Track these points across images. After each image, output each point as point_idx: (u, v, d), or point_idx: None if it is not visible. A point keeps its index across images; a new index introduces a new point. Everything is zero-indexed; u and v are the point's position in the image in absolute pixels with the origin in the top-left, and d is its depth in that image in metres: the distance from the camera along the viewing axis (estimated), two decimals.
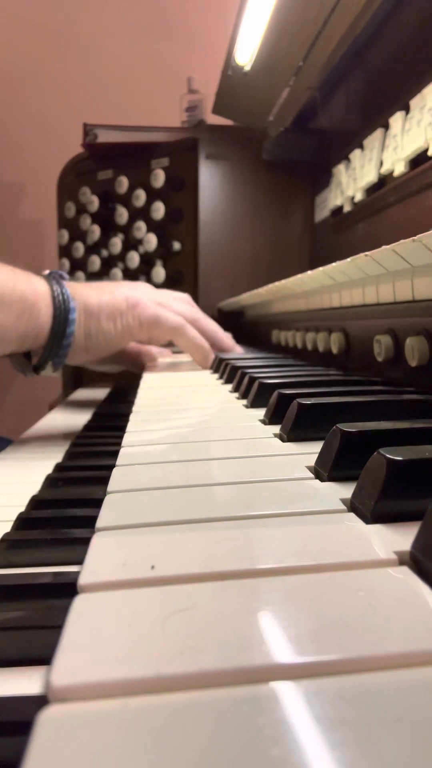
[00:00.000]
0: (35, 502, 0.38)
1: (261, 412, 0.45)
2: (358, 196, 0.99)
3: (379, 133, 0.90)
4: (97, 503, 0.26)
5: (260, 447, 0.34)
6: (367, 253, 0.47)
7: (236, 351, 0.88)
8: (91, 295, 0.70)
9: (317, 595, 0.16)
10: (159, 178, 1.43)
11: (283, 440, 0.36)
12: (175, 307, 0.79)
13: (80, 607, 0.16)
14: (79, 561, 0.20)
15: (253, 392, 0.49)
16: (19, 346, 0.64)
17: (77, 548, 0.27)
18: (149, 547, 0.20)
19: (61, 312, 0.64)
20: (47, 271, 0.68)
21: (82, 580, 0.18)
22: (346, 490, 0.25)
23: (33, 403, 1.73)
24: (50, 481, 0.44)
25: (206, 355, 0.80)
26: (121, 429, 0.43)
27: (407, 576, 0.17)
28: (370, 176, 0.92)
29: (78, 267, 1.61)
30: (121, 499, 0.26)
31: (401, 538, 0.20)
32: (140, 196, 1.46)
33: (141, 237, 1.47)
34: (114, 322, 0.70)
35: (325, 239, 1.25)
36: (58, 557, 0.29)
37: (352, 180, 1.01)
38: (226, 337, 0.87)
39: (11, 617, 0.22)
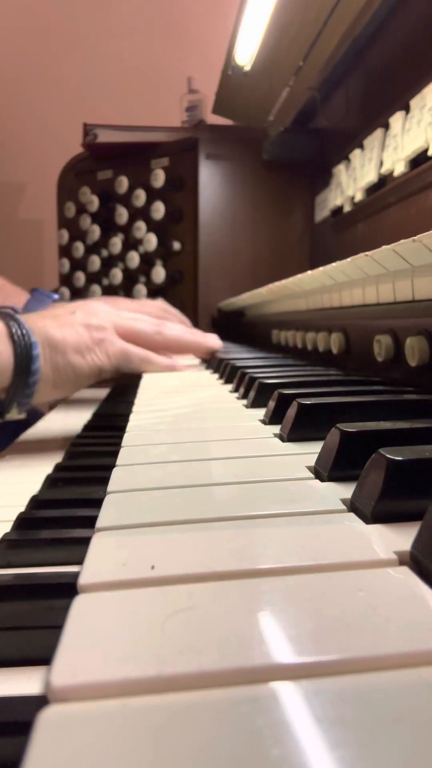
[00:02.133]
0: (35, 502, 0.38)
1: (261, 412, 0.45)
2: (358, 196, 0.99)
3: (379, 133, 0.90)
4: (97, 503, 0.26)
5: (260, 447, 0.34)
6: (367, 253, 0.47)
7: (211, 344, 0.84)
8: (51, 327, 0.66)
9: (317, 595, 0.16)
10: (159, 178, 1.43)
11: (283, 440, 0.36)
12: (138, 327, 0.75)
13: (80, 607, 0.16)
14: (79, 561, 0.20)
15: (253, 392, 0.49)
16: None
17: (77, 548, 0.27)
18: (149, 547, 0.20)
19: (23, 349, 0.61)
20: None
21: (82, 580, 0.18)
22: (346, 490, 0.25)
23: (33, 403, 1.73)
24: (50, 481, 0.44)
25: (197, 342, 0.79)
26: (121, 429, 0.43)
27: (407, 576, 0.17)
28: (370, 176, 0.92)
29: (78, 267, 1.61)
30: (121, 499, 0.26)
31: (401, 538, 0.20)
32: (140, 196, 1.46)
33: (141, 237, 1.47)
34: (82, 356, 0.67)
35: (325, 239, 1.25)
36: (58, 557, 0.29)
37: (352, 180, 1.01)
38: (193, 337, 0.84)
39: (11, 617, 0.22)
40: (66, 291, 1.63)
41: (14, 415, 0.65)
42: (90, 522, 0.24)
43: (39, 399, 0.66)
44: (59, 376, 0.65)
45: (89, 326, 0.70)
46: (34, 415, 0.67)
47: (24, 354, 0.61)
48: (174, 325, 0.83)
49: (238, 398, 0.54)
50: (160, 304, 0.83)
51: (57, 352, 0.65)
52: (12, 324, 0.61)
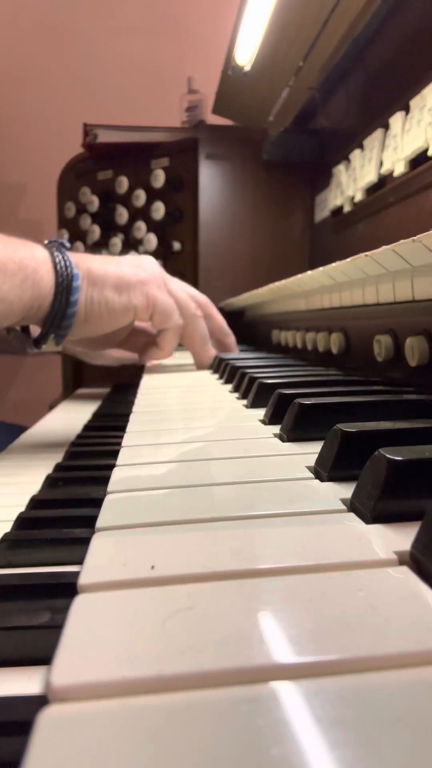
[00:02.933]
0: (35, 502, 0.38)
1: (261, 412, 0.45)
2: (358, 196, 0.99)
3: (379, 133, 0.90)
4: (97, 503, 0.26)
5: (260, 447, 0.34)
6: (367, 253, 0.47)
7: (235, 352, 0.87)
8: (95, 263, 0.65)
9: (317, 595, 0.16)
10: (159, 178, 1.43)
11: (283, 440, 0.36)
12: (182, 295, 0.75)
13: (80, 607, 0.16)
14: (79, 561, 0.20)
15: (253, 392, 0.49)
16: (22, 318, 0.60)
17: (77, 548, 0.27)
18: (149, 547, 0.20)
19: (65, 279, 0.60)
20: (47, 241, 0.64)
21: (82, 580, 0.18)
22: (346, 490, 0.25)
23: (33, 403, 1.73)
24: (50, 481, 0.44)
25: (210, 354, 0.79)
26: (121, 429, 0.43)
27: (407, 576, 0.17)
28: (370, 176, 0.92)
29: None
30: (121, 499, 0.26)
31: (401, 538, 0.20)
32: (140, 196, 1.46)
33: (141, 237, 1.47)
34: (119, 293, 0.65)
35: (325, 239, 1.25)
36: (59, 557, 0.29)
37: (352, 180, 1.01)
38: (231, 336, 0.86)
39: (11, 617, 0.22)
40: None
41: (51, 346, 0.64)
42: (90, 522, 0.24)
43: (72, 334, 0.64)
44: (92, 310, 0.64)
45: (137, 266, 0.69)
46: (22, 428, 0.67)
47: (65, 284, 0.60)
48: (221, 316, 0.82)
49: (238, 398, 0.54)
50: (206, 298, 0.80)
51: (95, 286, 0.64)
52: (57, 254, 0.61)
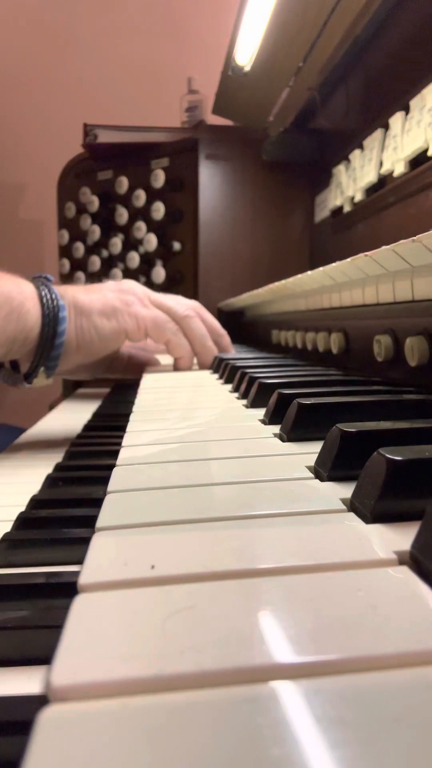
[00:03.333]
0: (35, 502, 0.38)
1: (261, 412, 0.45)
2: (358, 197, 0.99)
3: (378, 133, 0.90)
4: (97, 503, 0.26)
5: (260, 447, 0.34)
6: (367, 253, 0.47)
7: (231, 352, 0.87)
8: (79, 293, 0.67)
9: (317, 595, 0.16)
10: (159, 179, 1.43)
11: (283, 440, 0.36)
12: (168, 302, 0.76)
13: (80, 607, 0.16)
14: (80, 561, 0.20)
15: (253, 392, 0.49)
16: (6, 351, 0.61)
17: (77, 548, 0.27)
18: (149, 546, 0.20)
19: (51, 311, 0.62)
20: (32, 277, 0.66)
21: (82, 580, 0.18)
22: (346, 490, 0.25)
23: (33, 403, 1.73)
24: (50, 481, 0.44)
25: (211, 352, 0.79)
26: (121, 429, 0.43)
27: (407, 576, 0.17)
28: (370, 176, 0.92)
29: (78, 267, 1.61)
30: (121, 498, 0.26)
31: (401, 537, 0.20)
32: (140, 197, 1.46)
33: (141, 237, 1.47)
34: (108, 318, 0.67)
35: (325, 239, 1.25)
36: (59, 557, 0.29)
37: (352, 180, 1.01)
38: (226, 337, 0.86)
39: (11, 617, 0.22)
40: None
41: (42, 381, 0.65)
42: (90, 522, 0.24)
43: (65, 364, 0.66)
44: (82, 337, 0.66)
45: (119, 290, 0.71)
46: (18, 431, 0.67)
47: (51, 315, 0.61)
48: (212, 316, 0.83)
49: (238, 398, 0.54)
50: (195, 303, 0.81)
51: (82, 315, 0.66)
52: (42, 288, 0.63)
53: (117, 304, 0.69)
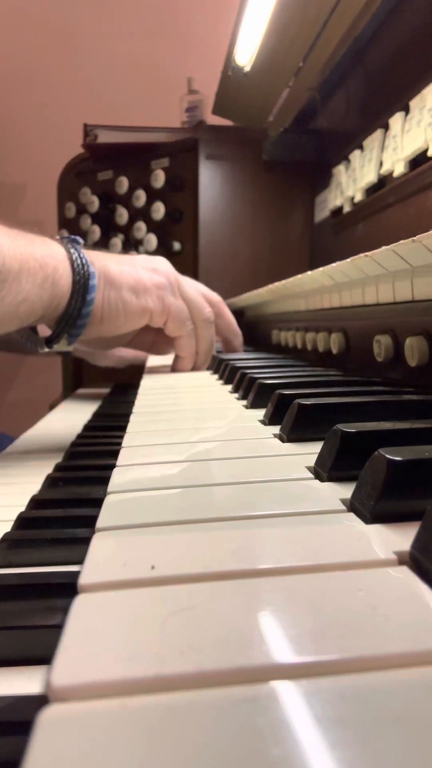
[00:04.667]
0: (35, 502, 0.38)
1: (261, 413, 0.45)
2: (358, 197, 0.99)
3: (378, 133, 0.90)
4: (98, 503, 0.26)
5: (260, 447, 0.34)
6: (367, 253, 0.47)
7: (240, 352, 0.87)
8: (111, 262, 0.65)
9: (317, 595, 0.16)
10: (159, 179, 1.43)
11: (282, 441, 0.36)
12: (196, 297, 0.74)
13: (80, 607, 0.16)
14: (80, 561, 0.20)
15: (253, 393, 0.49)
16: (40, 317, 0.58)
17: (77, 548, 0.27)
18: (149, 547, 0.20)
19: (81, 278, 0.58)
20: (59, 236, 0.63)
21: (83, 580, 0.18)
22: (346, 490, 0.25)
23: (33, 403, 1.73)
24: (50, 481, 0.44)
25: (208, 360, 0.79)
26: (121, 429, 0.43)
27: (407, 576, 0.17)
28: (369, 176, 0.92)
29: None
30: (121, 499, 0.26)
31: (401, 538, 0.20)
32: (140, 197, 1.46)
33: (141, 237, 1.47)
34: (137, 296, 0.65)
35: (325, 239, 1.25)
36: (59, 557, 0.29)
37: (352, 180, 1.01)
38: (240, 337, 0.86)
39: (11, 617, 0.22)
40: None
41: (63, 346, 0.62)
42: (90, 522, 0.24)
43: (86, 334, 0.63)
44: (108, 310, 0.63)
45: (153, 269, 0.68)
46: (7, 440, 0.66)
47: (82, 282, 0.59)
48: (230, 313, 0.82)
49: (237, 399, 0.54)
50: (218, 297, 0.79)
51: (112, 287, 0.63)
52: (73, 251, 0.60)
53: (149, 284, 0.66)
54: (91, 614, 0.16)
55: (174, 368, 0.79)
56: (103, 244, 1.55)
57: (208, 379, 0.71)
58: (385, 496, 0.21)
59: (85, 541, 0.21)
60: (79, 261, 0.59)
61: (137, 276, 0.66)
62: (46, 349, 0.63)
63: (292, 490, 0.26)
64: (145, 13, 2.29)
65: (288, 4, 0.93)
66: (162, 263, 0.71)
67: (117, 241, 1.52)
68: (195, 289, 0.75)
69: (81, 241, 0.63)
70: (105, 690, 0.13)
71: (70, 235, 0.64)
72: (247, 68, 1.12)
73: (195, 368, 0.79)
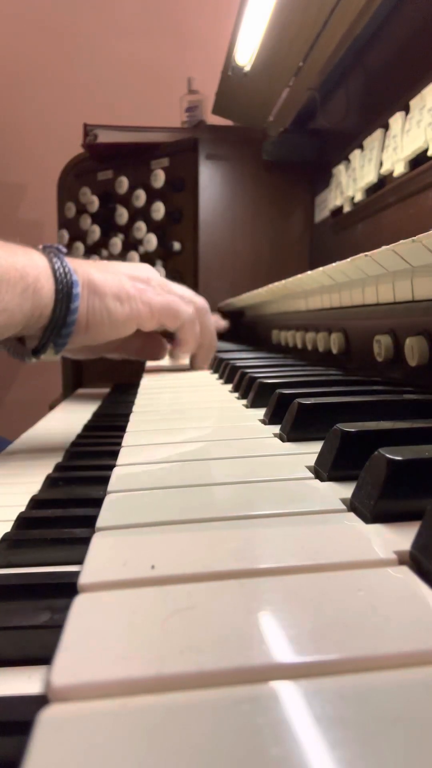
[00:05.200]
0: (35, 502, 0.38)
1: (261, 412, 0.45)
2: (358, 197, 0.99)
3: (378, 133, 0.90)
4: (97, 503, 0.26)
5: (260, 447, 0.34)
6: (367, 253, 0.47)
7: (206, 366, 0.85)
8: (94, 270, 0.64)
9: (317, 594, 0.16)
10: (159, 179, 1.43)
11: (283, 440, 0.36)
12: (186, 292, 0.74)
13: (80, 607, 0.16)
14: (80, 561, 0.20)
15: (253, 392, 0.49)
16: (23, 328, 0.59)
17: (77, 548, 0.27)
18: (149, 546, 0.20)
19: (64, 286, 0.59)
20: (41, 246, 0.63)
21: (82, 580, 0.18)
22: (346, 490, 0.25)
23: (33, 403, 1.73)
24: (50, 481, 0.44)
25: (211, 353, 0.78)
26: (121, 429, 0.43)
27: (407, 576, 0.17)
28: (369, 176, 0.92)
29: None
30: (121, 498, 0.26)
31: (401, 537, 0.20)
32: (140, 197, 1.46)
33: (141, 237, 1.47)
34: (121, 303, 0.65)
35: (325, 239, 1.25)
36: (59, 557, 0.29)
37: (352, 180, 1.01)
38: (215, 347, 0.85)
39: (12, 617, 0.22)
40: None
41: (50, 356, 0.63)
42: (90, 522, 0.24)
43: (72, 342, 0.63)
44: (93, 318, 0.63)
45: (133, 277, 0.68)
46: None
47: (65, 291, 0.59)
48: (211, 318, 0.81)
49: (237, 398, 0.54)
50: (205, 304, 0.79)
51: (95, 295, 0.63)
52: (55, 260, 0.60)
53: (132, 291, 0.66)
54: (91, 614, 0.16)
55: (172, 354, 0.77)
56: (103, 244, 1.55)
57: (208, 378, 0.71)
58: (386, 496, 0.21)
59: (85, 541, 0.21)
60: (61, 270, 0.60)
61: (120, 284, 0.66)
62: (34, 360, 0.63)
63: (293, 490, 0.26)
64: (145, 13, 2.29)
65: (288, 4, 0.93)
66: (144, 269, 0.72)
67: (117, 241, 1.52)
68: (184, 287, 0.75)
69: (64, 250, 0.64)
70: (105, 690, 0.13)
71: (53, 245, 0.64)
72: (247, 68, 1.12)
73: (202, 360, 0.78)
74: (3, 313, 0.54)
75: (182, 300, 0.72)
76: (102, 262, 0.69)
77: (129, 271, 0.69)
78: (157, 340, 0.77)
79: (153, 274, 0.72)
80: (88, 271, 0.64)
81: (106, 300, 0.64)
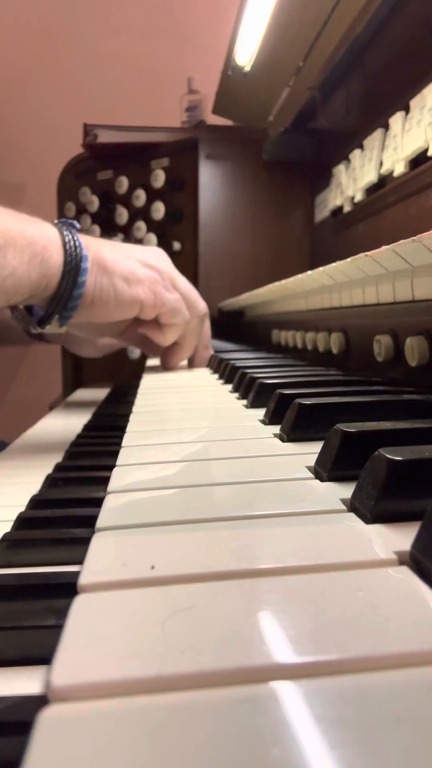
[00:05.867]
0: (35, 502, 0.38)
1: (261, 412, 0.45)
2: (358, 196, 0.99)
3: (378, 133, 0.90)
4: (97, 503, 0.26)
5: (260, 447, 0.34)
6: (367, 253, 0.47)
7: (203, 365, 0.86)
8: (105, 249, 0.65)
9: (317, 595, 0.16)
10: (159, 178, 1.43)
11: (283, 440, 0.36)
12: (192, 293, 0.75)
13: (80, 607, 0.16)
14: (80, 561, 0.20)
15: (253, 392, 0.49)
16: (30, 296, 0.59)
17: (77, 548, 0.27)
18: (149, 547, 0.20)
19: (73, 259, 0.59)
20: (56, 221, 0.64)
21: (82, 580, 0.18)
22: (346, 490, 0.25)
23: (33, 403, 1.73)
24: (50, 481, 0.44)
25: (209, 354, 0.79)
26: (121, 429, 0.43)
27: (407, 576, 0.17)
28: (370, 176, 0.92)
29: None
30: (121, 498, 0.26)
31: (401, 538, 0.20)
32: (140, 197, 1.46)
33: (141, 237, 1.47)
34: (129, 285, 0.65)
35: (325, 239, 1.25)
36: (59, 557, 0.29)
37: (352, 180, 1.01)
38: (211, 350, 0.85)
39: (11, 617, 0.22)
40: None
41: (55, 328, 0.63)
42: (90, 522, 0.24)
43: (77, 317, 0.64)
44: (100, 295, 0.64)
45: (145, 263, 0.69)
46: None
47: (73, 263, 0.60)
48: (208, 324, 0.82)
49: (237, 398, 0.54)
50: (206, 309, 0.80)
51: (105, 273, 0.64)
52: (66, 233, 0.60)
53: (142, 276, 0.67)
54: (91, 614, 0.16)
55: (165, 359, 0.78)
56: None
57: (208, 378, 0.71)
58: (386, 496, 0.21)
59: (85, 541, 0.21)
60: (72, 243, 0.60)
61: (131, 267, 0.66)
62: (39, 330, 0.63)
63: (293, 490, 0.26)
64: (144, 13, 2.29)
65: (288, 4, 0.93)
66: (157, 257, 0.72)
67: (117, 240, 1.52)
68: (190, 284, 0.76)
69: (78, 225, 0.64)
70: (105, 690, 0.13)
71: (67, 219, 0.64)
72: (247, 68, 1.12)
73: (196, 364, 0.79)
74: (10, 278, 0.54)
75: (186, 300, 0.73)
76: (116, 243, 0.69)
77: (142, 257, 0.69)
78: (153, 328, 0.77)
79: (164, 263, 0.72)
80: (99, 249, 0.64)
81: (114, 279, 0.64)
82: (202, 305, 0.76)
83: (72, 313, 0.62)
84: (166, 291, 0.69)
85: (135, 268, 0.67)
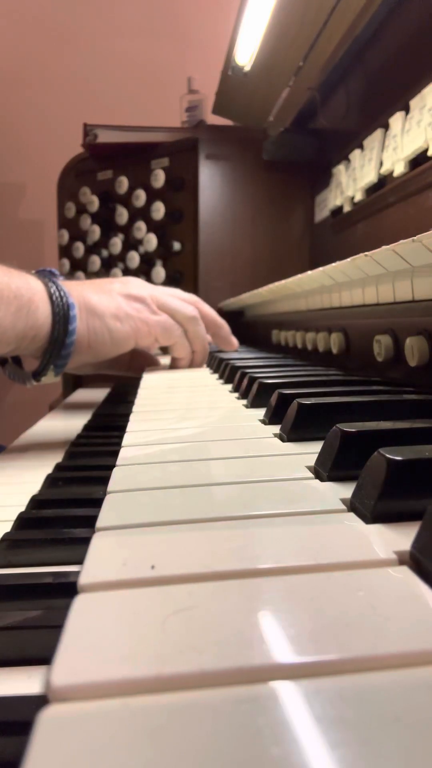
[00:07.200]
0: (35, 502, 0.38)
1: (261, 412, 0.45)
2: (358, 196, 0.99)
3: (378, 133, 0.90)
4: (98, 503, 0.26)
5: (260, 447, 0.34)
6: (367, 253, 0.47)
7: (234, 346, 0.88)
8: (89, 292, 0.67)
9: (317, 594, 0.16)
10: (159, 178, 1.43)
11: (283, 440, 0.36)
12: (174, 303, 0.76)
13: (80, 607, 0.16)
14: (80, 561, 0.20)
15: (253, 392, 0.49)
16: (16, 347, 0.61)
17: (77, 548, 0.27)
18: (149, 546, 0.20)
19: (61, 309, 0.61)
20: (34, 271, 0.65)
21: (83, 580, 0.18)
22: (346, 490, 0.25)
23: (33, 404, 1.73)
24: (50, 481, 0.44)
25: (206, 354, 0.80)
26: (121, 429, 0.43)
27: (407, 576, 0.17)
28: (370, 176, 0.92)
29: (78, 267, 1.61)
30: (121, 498, 0.26)
31: (401, 538, 0.20)
32: (140, 196, 1.46)
33: (141, 237, 1.47)
34: (121, 322, 0.68)
35: (325, 239, 1.25)
36: (59, 557, 0.29)
37: (352, 180, 1.01)
38: (225, 327, 0.86)
39: (11, 617, 0.22)
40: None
41: (50, 378, 0.65)
42: (90, 522, 0.24)
43: (74, 362, 0.66)
44: (95, 338, 0.66)
45: (128, 296, 0.71)
46: None
47: (62, 314, 0.61)
48: (211, 309, 0.84)
49: (237, 398, 0.54)
50: (194, 297, 0.82)
51: (95, 316, 0.66)
52: (50, 284, 0.62)
53: (129, 310, 0.69)
54: (92, 614, 0.16)
55: (173, 366, 0.81)
56: (103, 244, 1.55)
57: (207, 378, 0.71)
58: (386, 496, 0.21)
59: (85, 541, 0.21)
60: (57, 294, 0.62)
61: (117, 303, 0.69)
62: (34, 383, 0.65)
63: (293, 490, 0.26)
64: (144, 12, 2.29)
65: (288, 4, 0.93)
66: (136, 286, 0.74)
67: (117, 241, 1.52)
68: (171, 296, 0.77)
69: (57, 273, 0.67)
70: (105, 690, 0.13)
71: (45, 269, 0.67)
72: (247, 68, 1.12)
73: (194, 365, 0.80)
74: None
75: (172, 313, 0.75)
76: (94, 282, 0.72)
77: (123, 290, 0.72)
78: (143, 356, 0.82)
79: (143, 288, 0.74)
80: (83, 293, 0.66)
81: (105, 320, 0.67)
82: (188, 310, 0.77)
83: (66, 361, 0.64)
84: (154, 315, 0.72)
85: (121, 304, 0.69)
